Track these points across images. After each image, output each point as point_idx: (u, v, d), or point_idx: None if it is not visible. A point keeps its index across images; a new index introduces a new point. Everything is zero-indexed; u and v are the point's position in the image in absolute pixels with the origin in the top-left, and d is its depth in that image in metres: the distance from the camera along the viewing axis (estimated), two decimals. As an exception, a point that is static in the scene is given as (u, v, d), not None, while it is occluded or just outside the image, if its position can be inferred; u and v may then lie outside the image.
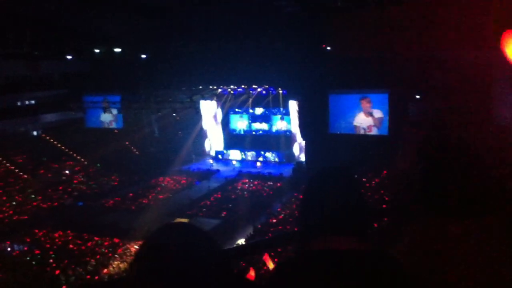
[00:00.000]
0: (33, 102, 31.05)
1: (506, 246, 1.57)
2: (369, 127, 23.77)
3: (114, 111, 32.11)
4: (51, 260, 16.96)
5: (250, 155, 34.02)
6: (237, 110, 35.48)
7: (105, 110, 31.67)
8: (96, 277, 15.31)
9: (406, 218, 1.86)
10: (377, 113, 23.65)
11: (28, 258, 17.38)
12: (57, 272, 15.87)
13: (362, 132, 24.05)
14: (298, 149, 31.77)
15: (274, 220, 20.79)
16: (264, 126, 34.73)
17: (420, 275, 1.57)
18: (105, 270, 16.14)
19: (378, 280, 1.34)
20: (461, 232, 1.60)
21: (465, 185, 1.63)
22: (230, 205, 23.62)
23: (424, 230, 1.68)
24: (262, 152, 33.53)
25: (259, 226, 20.17)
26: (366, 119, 23.83)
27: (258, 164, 32.73)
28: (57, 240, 19.50)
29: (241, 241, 18.15)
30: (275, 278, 1.43)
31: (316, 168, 1.68)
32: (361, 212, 1.52)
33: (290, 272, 1.41)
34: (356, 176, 1.62)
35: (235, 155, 34.41)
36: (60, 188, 26.79)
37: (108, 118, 32.51)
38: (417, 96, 21.29)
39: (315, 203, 1.53)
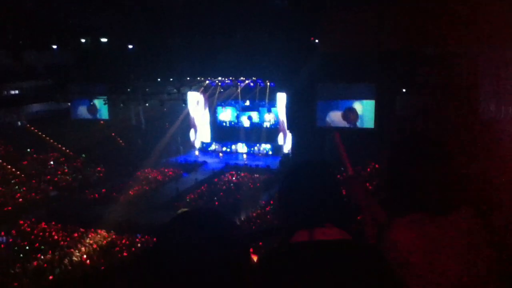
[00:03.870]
0: (17, 92, 30.61)
1: (485, 239, 1.61)
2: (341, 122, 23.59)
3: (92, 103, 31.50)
4: (35, 252, 16.86)
5: (237, 147, 34.02)
6: (224, 102, 35.39)
7: (90, 100, 31.23)
8: (81, 270, 15.24)
9: (389, 213, 1.88)
10: (355, 118, 23.38)
11: (14, 249, 17.26)
12: (42, 263, 15.78)
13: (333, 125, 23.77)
14: (285, 141, 31.83)
15: (260, 212, 20.86)
16: (252, 118, 34.70)
17: (403, 268, 1.58)
18: (90, 262, 16.08)
19: (364, 269, 1.34)
20: (441, 227, 1.62)
21: (444, 179, 1.65)
22: (215, 198, 23.63)
23: (405, 225, 1.70)
24: (249, 144, 33.55)
25: (244, 218, 20.23)
26: (341, 120, 23.63)
27: (245, 156, 32.75)
28: (41, 232, 19.33)
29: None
30: (260, 271, 1.39)
31: (294, 162, 1.67)
32: (340, 204, 1.52)
33: (274, 264, 1.38)
34: (333, 169, 1.59)
35: (221, 147, 34.38)
36: (47, 178, 26.54)
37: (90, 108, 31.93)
38: (403, 90, 21.45)
39: (294, 196, 1.52)
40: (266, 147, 33.18)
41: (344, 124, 23.70)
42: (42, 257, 16.35)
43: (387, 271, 1.38)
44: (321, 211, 1.47)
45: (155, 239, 1.19)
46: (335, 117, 23.85)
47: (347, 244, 1.43)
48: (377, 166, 20.64)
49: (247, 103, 34.46)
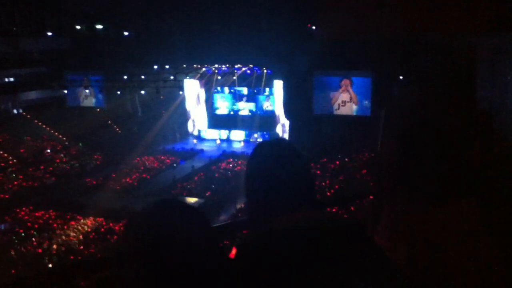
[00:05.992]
0: (12, 79, 30.40)
1: (483, 229, 1.61)
2: (343, 102, 23.51)
3: (88, 90, 31.31)
4: (33, 239, 16.91)
5: (234, 134, 34.00)
6: (221, 89, 35.27)
7: (86, 88, 31.06)
8: (79, 258, 15.31)
9: (385, 201, 1.87)
10: (350, 91, 23.28)
11: (12, 237, 17.29)
12: (39, 251, 15.84)
13: (336, 107, 23.77)
14: (282, 129, 31.82)
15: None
16: (248, 105, 34.63)
17: (396, 256, 1.58)
18: (87, 249, 16.15)
19: (347, 246, 1.29)
20: (439, 215, 1.62)
21: (443, 169, 1.65)
22: (213, 186, 23.66)
23: (402, 214, 1.70)
24: (246, 132, 33.53)
25: (242, 205, 20.28)
26: (342, 94, 23.56)
27: (242, 144, 32.75)
28: (39, 219, 19.36)
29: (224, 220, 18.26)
30: (238, 264, 1.31)
31: (258, 143, 1.57)
32: (307, 182, 1.45)
33: (252, 255, 1.31)
34: (297, 148, 1.50)
35: (219, 134, 34.36)
36: (42, 167, 26.48)
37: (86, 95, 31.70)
38: (400, 77, 21.41)
39: (259, 180, 1.44)
40: (263, 134, 33.15)
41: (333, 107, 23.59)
42: (39, 244, 16.40)
43: (371, 246, 1.35)
44: (287, 191, 1.40)
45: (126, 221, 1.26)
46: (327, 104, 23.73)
47: (324, 224, 1.36)
48: (372, 154, 20.67)
49: (245, 90, 34.35)
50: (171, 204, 1.31)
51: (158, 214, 1.26)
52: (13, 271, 14.16)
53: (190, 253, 1.17)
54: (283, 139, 1.52)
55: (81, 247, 16.41)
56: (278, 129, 32.54)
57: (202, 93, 35.24)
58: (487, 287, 1.56)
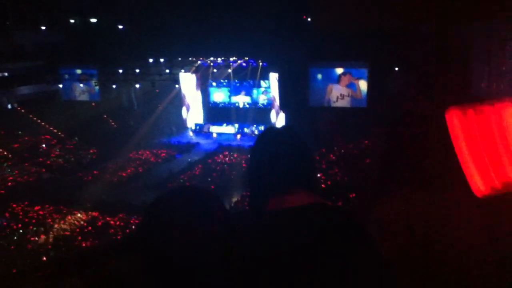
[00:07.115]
0: (6, 74, 30.19)
1: (471, 216, 1.63)
2: (342, 95, 23.58)
3: (83, 84, 31.29)
4: (29, 235, 16.90)
5: (230, 127, 33.94)
6: (217, 82, 35.16)
7: (81, 82, 30.96)
8: (76, 251, 15.32)
9: (378, 190, 1.88)
10: (356, 85, 23.44)
11: (8, 232, 17.27)
12: (38, 244, 15.85)
13: (334, 99, 23.88)
14: (278, 121, 31.79)
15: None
16: (244, 98, 34.55)
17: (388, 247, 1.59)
18: (84, 243, 16.17)
19: (336, 230, 1.30)
20: (428, 203, 1.64)
21: (432, 160, 1.66)
22: (209, 179, 23.65)
23: (394, 201, 1.71)
24: (242, 125, 33.48)
25: (239, 198, 20.32)
26: (341, 88, 23.66)
27: (238, 136, 32.72)
28: (35, 214, 19.33)
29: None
30: (233, 246, 1.29)
31: (264, 129, 1.59)
32: (308, 167, 1.48)
33: (245, 238, 1.32)
34: (299, 133, 1.54)
35: (215, 128, 34.30)
36: (40, 159, 26.41)
37: (81, 89, 31.71)
38: (396, 68, 21.42)
39: (263, 162, 1.47)
40: (259, 127, 33.11)
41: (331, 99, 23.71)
42: (36, 239, 16.39)
43: (361, 231, 1.35)
44: (288, 176, 1.42)
45: (140, 218, 1.19)
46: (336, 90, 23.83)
47: (317, 208, 1.38)
48: (366, 142, 20.75)
49: (240, 83, 34.27)
50: (190, 191, 1.25)
51: (178, 201, 1.20)
52: (10, 266, 14.16)
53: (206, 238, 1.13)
54: (287, 126, 1.53)
55: (77, 241, 16.41)
56: (273, 121, 32.51)
57: (197, 86, 35.13)
58: (479, 275, 1.58)
